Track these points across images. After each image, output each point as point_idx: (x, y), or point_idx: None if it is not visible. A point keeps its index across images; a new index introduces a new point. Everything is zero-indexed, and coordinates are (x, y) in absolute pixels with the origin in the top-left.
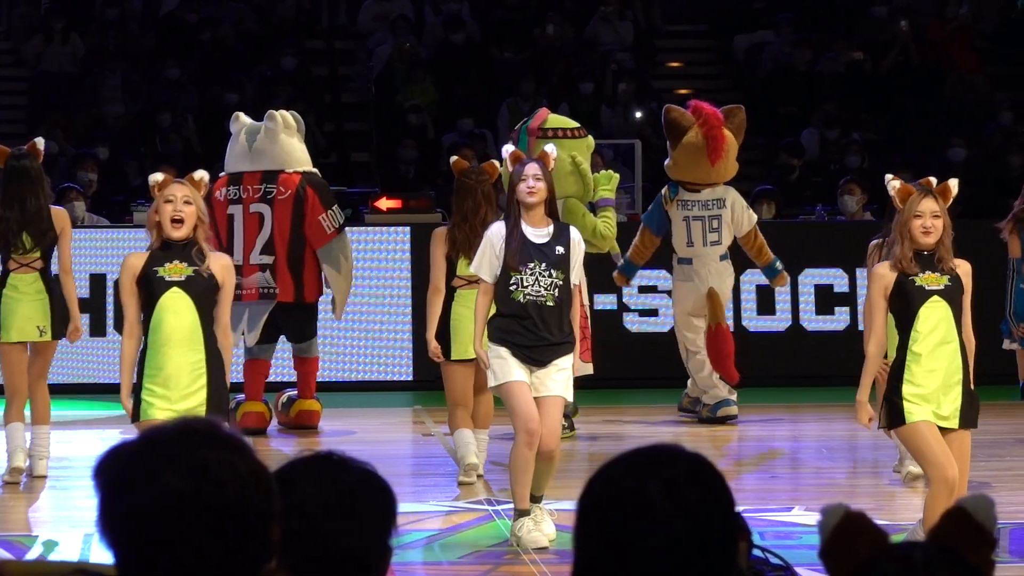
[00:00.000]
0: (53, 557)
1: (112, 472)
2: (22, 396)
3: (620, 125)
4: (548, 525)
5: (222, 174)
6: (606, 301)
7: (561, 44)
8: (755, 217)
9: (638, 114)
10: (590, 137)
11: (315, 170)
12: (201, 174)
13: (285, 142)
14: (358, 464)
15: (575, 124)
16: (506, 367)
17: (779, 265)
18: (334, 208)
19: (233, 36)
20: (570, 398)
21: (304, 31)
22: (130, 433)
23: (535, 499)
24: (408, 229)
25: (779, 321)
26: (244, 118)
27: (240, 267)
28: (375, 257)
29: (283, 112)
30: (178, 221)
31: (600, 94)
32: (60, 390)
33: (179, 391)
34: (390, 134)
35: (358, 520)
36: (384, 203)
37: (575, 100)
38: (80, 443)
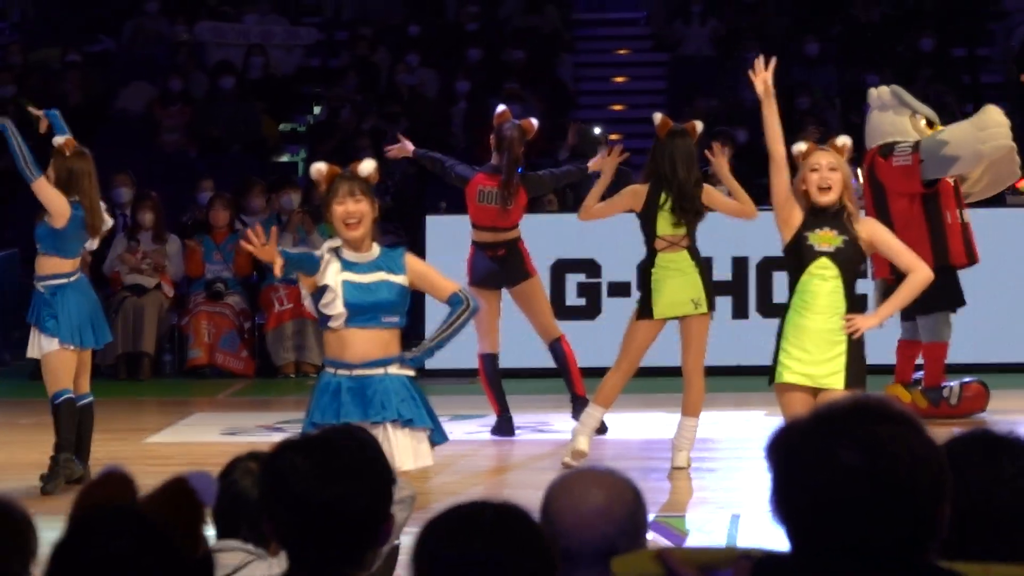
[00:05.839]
0: (699, 537)
1: (785, 450)
2: None
3: None
4: None
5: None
6: None
7: None
8: None
9: None
10: None
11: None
12: (844, 139)
13: (875, 117)
14: None
15: None
16: None
17: None
18: None
19: (874, 16)
20: None
21: (944, 13)
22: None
23: None
24: None
25: None
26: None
27: None
28: None
29: (882, 88)
30: (825, 189)
31: None
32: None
33: (816, 355)
34: None
35: None
36: None
37: None
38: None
